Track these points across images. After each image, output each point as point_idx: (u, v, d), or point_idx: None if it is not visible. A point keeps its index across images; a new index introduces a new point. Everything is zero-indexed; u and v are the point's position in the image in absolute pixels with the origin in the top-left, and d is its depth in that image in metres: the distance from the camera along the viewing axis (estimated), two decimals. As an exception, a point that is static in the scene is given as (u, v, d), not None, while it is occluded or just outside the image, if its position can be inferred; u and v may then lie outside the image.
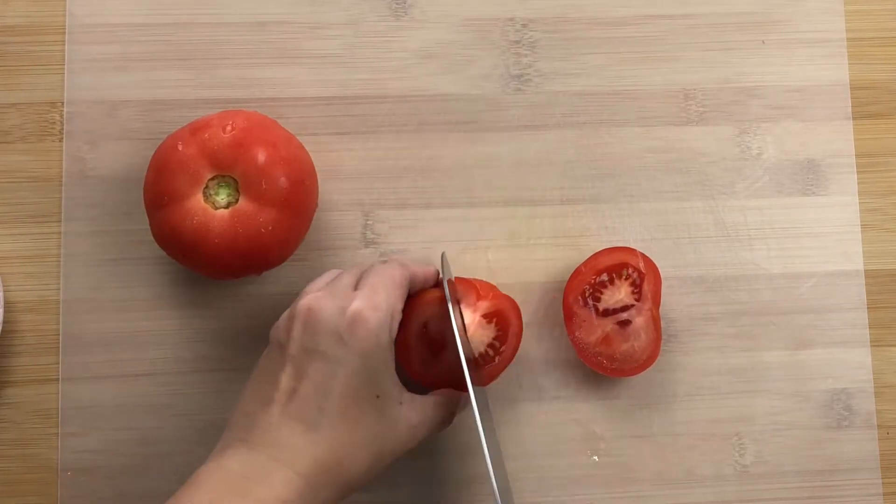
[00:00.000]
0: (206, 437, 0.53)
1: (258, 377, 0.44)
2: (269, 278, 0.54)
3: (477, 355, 0.50)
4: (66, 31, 0.56)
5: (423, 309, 0.50)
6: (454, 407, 0.48)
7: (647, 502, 0.54)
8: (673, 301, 0.56)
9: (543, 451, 0.54)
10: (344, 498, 0.43)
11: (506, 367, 0.51)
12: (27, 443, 0.53)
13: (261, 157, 0.48)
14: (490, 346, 0.51)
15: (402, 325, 0.48)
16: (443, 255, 0.53)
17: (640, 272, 0.52)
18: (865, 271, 0.57)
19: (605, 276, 0.53)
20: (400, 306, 0.45)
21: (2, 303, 0.52)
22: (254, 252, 0.49)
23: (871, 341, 0.56)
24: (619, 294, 0.53)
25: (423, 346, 0.50)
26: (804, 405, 0.56)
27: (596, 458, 0.55)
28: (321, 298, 0.43)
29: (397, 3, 0.57)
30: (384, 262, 0.47)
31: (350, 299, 0.43)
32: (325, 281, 0.47)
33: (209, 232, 0.48)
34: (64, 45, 0.56)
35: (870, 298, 0.56)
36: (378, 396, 0.43)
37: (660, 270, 0.53)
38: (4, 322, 0.53)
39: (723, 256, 0.56)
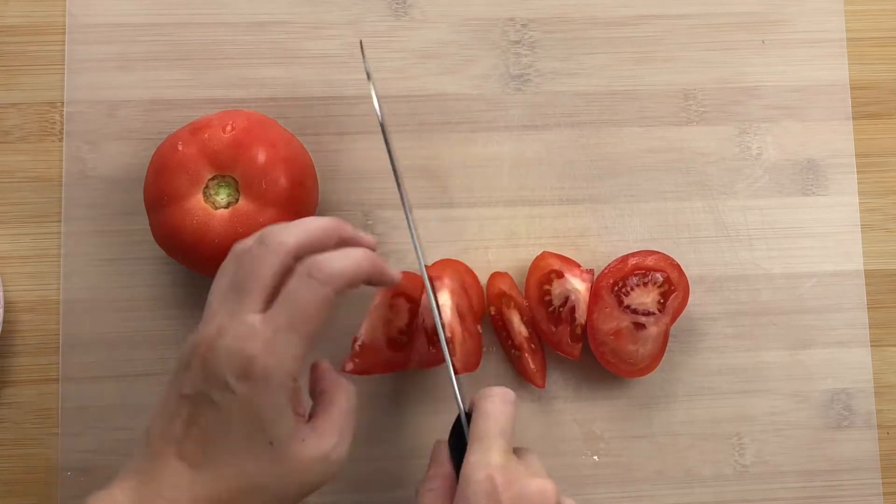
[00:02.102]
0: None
1: (164, 401, 0.43)
2: (269, 278, 0.54)
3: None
4: (66, 31, 0.56)
5: (391, 300, 0.52)
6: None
7: (647, 502, 0.54)
8: (673, 301, 0.56)
9: (543, 451, 0.54)
10: None
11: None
12: (27, 443, 0.53)
13: (261, 157, 0.48)
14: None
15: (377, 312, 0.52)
16: (360, 43, 0.51)
17: (673, 287, 0.53)
18: (865, 271, 0.57)
19: (643, 276, 0.53)
20: (309, 339, 0.42)
21: (2, 303, 0.52)
22: (254, 252, 0.49)
23: (871, 341, 0.56)
24: (646, 298, 0.53)
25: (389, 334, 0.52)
26: (804, 405, 0.56)
27: (596, 458, 0.55)
28: (220, 337, 0.41)
29: (397, 3, 0.57)
30: (309, 276, 0.42)
31: (249, 339, 0.41)
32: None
33: (209, 232, 0.48)
34: (64, 45, 0.56)
35: (870, 298, 0.56)
36: (272, 443, 0.41)
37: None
38: (4, 322, 0.53)
39: (723, 256, 0.56)
